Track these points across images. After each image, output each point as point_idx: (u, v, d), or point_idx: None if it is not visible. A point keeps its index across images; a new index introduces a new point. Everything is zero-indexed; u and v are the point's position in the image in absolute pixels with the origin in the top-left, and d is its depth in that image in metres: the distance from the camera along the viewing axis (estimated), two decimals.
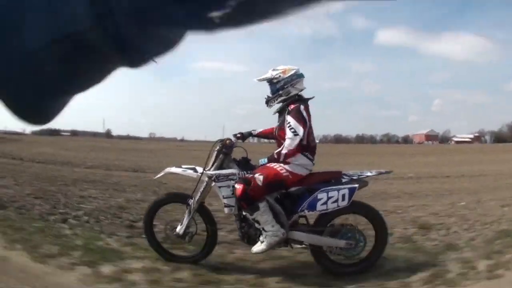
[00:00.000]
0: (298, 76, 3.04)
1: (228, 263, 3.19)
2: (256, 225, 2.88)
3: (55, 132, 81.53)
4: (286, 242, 2.96)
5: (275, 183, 2.89)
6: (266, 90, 3.10)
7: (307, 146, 2.97)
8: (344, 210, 2.93)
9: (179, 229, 3.09)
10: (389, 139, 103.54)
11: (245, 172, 3.00)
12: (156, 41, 0.46)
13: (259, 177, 2.85)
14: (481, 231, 4.10)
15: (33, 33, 0.43)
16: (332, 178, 2.98)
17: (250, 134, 3.41)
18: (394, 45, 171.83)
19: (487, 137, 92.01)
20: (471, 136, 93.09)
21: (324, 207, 2.86)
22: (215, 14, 0.42)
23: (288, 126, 2.89)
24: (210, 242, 3.14)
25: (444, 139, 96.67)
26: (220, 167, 3.06)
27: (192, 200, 3.08)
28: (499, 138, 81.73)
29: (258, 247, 2.92)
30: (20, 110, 0.52)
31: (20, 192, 5.76)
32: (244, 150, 3.22)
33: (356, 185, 2.90)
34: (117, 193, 6.38)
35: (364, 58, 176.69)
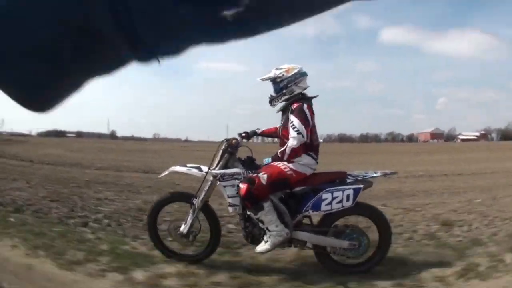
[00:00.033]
0: (302, 75, 3.03)
1: (260, 265, 3.14)
2: (260, 224, 2.87)
3: (61, 134, 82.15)
4: (290, 242, 2.95)
5: (279, 181, 2.88)
6: (269, 90, 3.09)
7: (310, 145, 2.95)
8: (348, 211, 2.92)
9: (183, 228, 3.07)
10: (393, 138, 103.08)
11: (250, 171, 2.99)
12: (166, 41, 0.46)
13: (263, 176, 2.84)
14: (502, 226, 4.18)
15: (40, 12, 0.43)
16: (337, 178, 2.96)
17: (254, 133, 3.41)
18: (398, 44, 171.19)
19: (494, 135, 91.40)
20: (477, 134, 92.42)
21: (328, 207, 2.85)
22: (227, 12, 0.41)
23: (291, 125, 2.87)
24: (214, 241, 3.13)
25: (450, 137, 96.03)
26: (225, 166, 3.05)
27: (196, 199, 3.07)
28: (505, 135, 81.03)
29: (262, 246, 2.91)
30: (22, 94, 0.51)
31: (34, 195, 5.65)
32: (249, 149, 3.20)
33: (361, 186, 2.88)
34: (132, 195, 6.28)
35: (368, 57, 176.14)
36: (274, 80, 3.03)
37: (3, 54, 0.47)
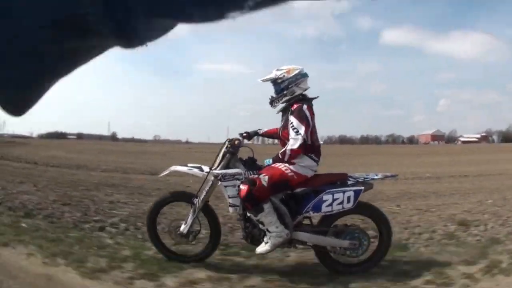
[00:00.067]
0: (302, 76, 3.03)
1: (288, 266, 3.11)
2: (261, 226, 2.87)
3: (62, 136, 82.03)
4: (290, 242, 2.95)
5: (280, 183, 2.88)
6: (270, 91, 3.09)
7: (311, 147, 2.94)
8: (349, 210, 2.93)
9: (183, 228, 3.06)
10: (394, 140, 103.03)
11: (251, 172, 2.98)
12: (157, 28, 0.43)
13: (264, 178, 2.84)
14: None
15: (29, 11, 0.40)
16: (338, 180, 2.97)
17: (256, 133, 3.41)
18: (399, 45, 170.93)
19: (495, 137, 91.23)
20: (478, 136, 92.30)
21: (329, 208, 2.86)
22: None
23: (291, 126, 2.87)
24: (214, 241, 3.12)
25: (451, 139, 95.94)
26: (226, 166, 3.05)
27: (197, 199, 3.06)
28: (506, 137, 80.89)
29: (262, 248, 2.90)
30: (5, 97, 0.47)
31: (44, 199, 5.49)
32: (251, 149, 3.20)
33: (362, 188, 2.89)
34: (144, 198, 6.12)
35: (369, 58, 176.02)
36: (275, 81, 3.02)
37: None
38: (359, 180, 2.96)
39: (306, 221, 3.01)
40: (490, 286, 2.67)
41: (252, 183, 2.82)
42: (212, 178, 3.03)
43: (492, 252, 3.31)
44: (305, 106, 2.91)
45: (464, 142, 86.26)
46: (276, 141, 3.34)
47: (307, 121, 2.88)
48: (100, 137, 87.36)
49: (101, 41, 0.43)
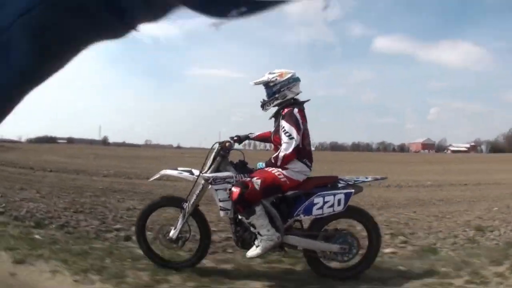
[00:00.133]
0: (295, 80, 3.03)
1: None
2: (252, 229, 2.84)
3: (51, 140, 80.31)
4: (280, 246, 2.93)
5: (272, 187, 2.86)
6: (262, 96, 3.08)
7: (303, 151, 2.94)
8: (339, 215, 2.93)
9: (173, 233, 3.00)
10: (385, 148, 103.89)
11: (242, 175, 2.96)
12: (152, 9, 0.42)
13: (256, 181, 2.82)
14: None
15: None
16: (329, 183, 2.97)
17: (247, 137, 3.39)
18: (391, 53, 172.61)
19: (483, 147, 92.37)
20: (467, 145, 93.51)
21: (320, 211, 2.85)
22: None
23: (283, 131, 2.87)
24: (204, 247, 3.06)
25: (440, 148, 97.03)
26: (217, 169, 3.01)
27: (186, 204, 3.01)
28: (495, 148, 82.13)
29: (253, 251, 2.87)
30: None
31: (53, 206, 5.08)
32: (242, 153, 3.17)
33: (352, 190, 2.89)
34: None
35: (361, 65, 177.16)
36: (267, 84, 3.02)
37: None
38: (349, 182, 2.96)
39: (297, 225, 3.01)
40: None
41: (244, 186, 2.80)
42: (203, 181, 3.00)
43: None
44: (295, 110, 2.91)
45: (453, 151, 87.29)
46: (268, 146, 3.28)
47: (298, 124, 2.87)
48: (91, 142, 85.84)
49: (94, 20, 0.41)
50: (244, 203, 2.77)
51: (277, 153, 2.87)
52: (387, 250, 3.67)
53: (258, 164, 3.01)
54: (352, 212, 2.98)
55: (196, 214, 3.05)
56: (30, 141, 76.94)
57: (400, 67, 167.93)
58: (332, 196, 2.83)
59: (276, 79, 2.98)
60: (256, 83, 3.05)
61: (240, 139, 3.31)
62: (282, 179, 2.85)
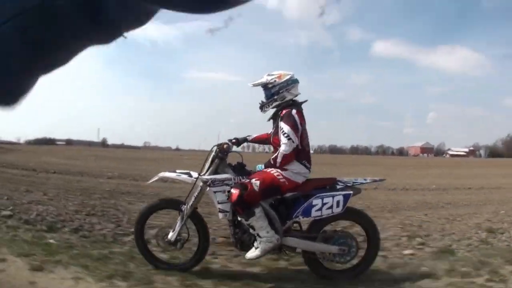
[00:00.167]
0: (293, 81, 3.03)
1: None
2: (251, 230, 2.83)
3: (50, 142, 79.82)
4: (279, 248, 2.92)
5: (271, 188, 2.85)
6: (260, 98, 3.07)
7: (302, 152, 2.94)
8: (337, 217, 2.93)
9: (171, 235, 2.99)
10: (384, 151, 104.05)
11: (240, 177, 2.95)
12: (134, 15, 0.43)
13: (255, 182, 2.81)
14: None
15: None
16: (327, 185, 2.97)
17: (245, 139, 3.38)
18: (390, 57, 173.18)
19: (482, 151, 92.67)
20: (466, 149, 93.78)
21: (318, 213, 2.84)
22: None
23: (282, 132, 2.87)
24: (202, 249, 3.04)
25: (439, 152, 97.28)
26: (215, 172, 3.01)
27: (185, 206, 3.00)
28: (493, 152, 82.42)
29: (252, 253, 2.86)
30: None
31: (63, 209, 4.96)
32: (240, 155, 3.16)
33: (351, 192, 2.89)
34: None
35: (359, 69, 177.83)
36: (265, 86, 3.01)
37: None
38: (348, 184, 2.96)
39: (296, 227, 3.00)
40: None
41: (243, 187, 2.79)
42: (201, 183, 2.99)
43: None
44: (294, 111, 2.91)
45: (452, 155, 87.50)
46: (267, 148, 3.28)
47: (296, 125, 2.87)
48: (89, 143, 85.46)
49: (76, 30, 0.41)
50: (244, 205, 2.77)
51: (276, 154, 2.86)
52: (407, 252, 3.77)
53: (257, 167, 3.01)
54: (351, 214, 2.98)
55: (195, 216, 3.05)
56: (29, 143, 76.50)
57: (398, 72, 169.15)
58: (331, 198, 2.83)
59: (274, 81, 2.98)
60: (255, 85, 3.04)
61: (238, 142, 3.31)
62: (281, 180, 2.85)
